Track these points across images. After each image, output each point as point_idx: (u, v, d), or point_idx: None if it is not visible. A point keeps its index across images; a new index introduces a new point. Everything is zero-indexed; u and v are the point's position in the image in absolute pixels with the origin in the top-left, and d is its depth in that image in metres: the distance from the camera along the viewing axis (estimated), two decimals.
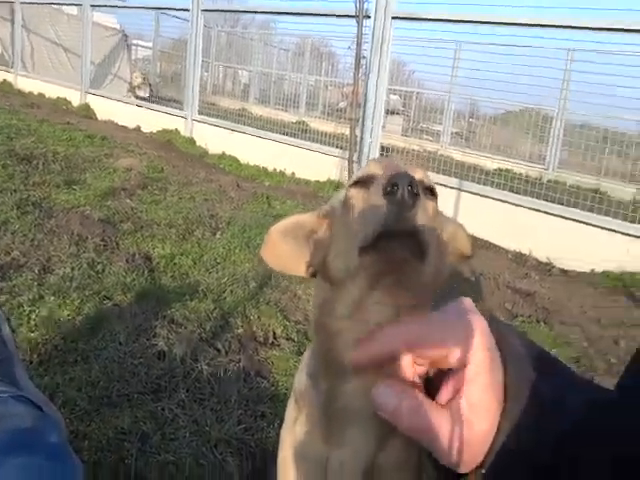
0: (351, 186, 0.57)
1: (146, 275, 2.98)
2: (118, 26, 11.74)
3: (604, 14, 4.62)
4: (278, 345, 2.53)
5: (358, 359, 0.51)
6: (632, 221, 4.49)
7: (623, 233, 4.43)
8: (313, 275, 0.62)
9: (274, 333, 2.61)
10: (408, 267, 0.51)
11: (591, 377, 2.79)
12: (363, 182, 0.56)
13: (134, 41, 12.59)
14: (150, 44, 12.32)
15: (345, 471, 0.56)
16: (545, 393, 0.48)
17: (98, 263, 3.02)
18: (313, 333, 0.61)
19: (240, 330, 2.57)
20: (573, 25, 4.66)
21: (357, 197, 0.55)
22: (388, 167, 0.57)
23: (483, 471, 0.47)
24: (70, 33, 10.77)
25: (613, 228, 4.47)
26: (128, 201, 4.34)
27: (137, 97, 9.92)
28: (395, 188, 0.48)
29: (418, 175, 0.56)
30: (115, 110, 9.29)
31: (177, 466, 1.70)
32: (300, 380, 0.63)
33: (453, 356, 0.48)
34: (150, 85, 10.52)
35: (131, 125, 8.89)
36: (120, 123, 9.02)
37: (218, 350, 2.35)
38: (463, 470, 0.48)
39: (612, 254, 4.44)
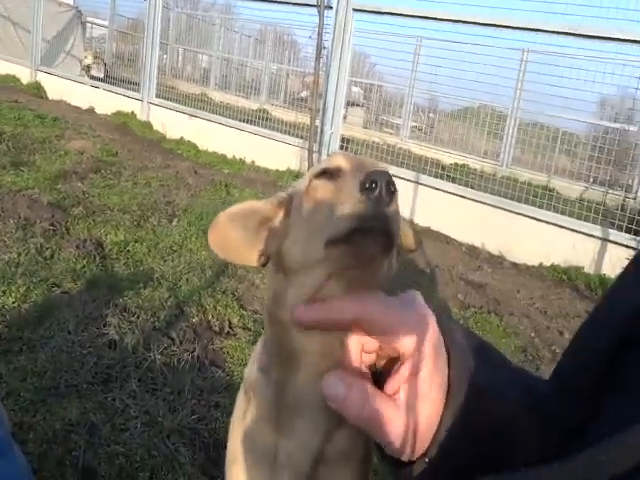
0: (316, 177, 0.57)
1: (98, 262, 2.89)
2: (72, 2, 11.24)
3: (559, 18, 4.74)
4: (234, 334, 2.51)
5: (304, 316, 0.51)
6: (578, 218, 4.69)
7: (570, 229, 4.63)
8: (264, 264, 0.61)
9: (230, 322, 2.59)
10: (374, 263, 0.52)
11: (536, 366, 2.91)
12: (330, 174, 0.56)
13: (89, 19, 12.09)
14: (106, 22, 11.86)
15: (293, 461, 0.57)
16: (484, 382, 0.50)
17: (47, 249, 2.90)
18: (266, 324, 0.61)
19: (195, 319, 2.54)
20: (526, 27, 4.81)
21: (324, 189, 0.55)
22: (358, 162, 0.57)
23: (427, 459, 0.49)
24: (20, 7, 10.22)
25: (561, 224, 4.66)
26: (80, 185, 4.18)
27: (91, 77, 9.53)
28: (374, 185, 0.48)
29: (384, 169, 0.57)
30: (68, 90, 8.91)
31: (127, 457, 1.67)
32: (250, 371, 0.63)
33: (402, 344, 0.49)
34: (105, 65, 10.11)
35: (84, 106, 8.56)
36: (73, 103, 8.67)
37: (172, 339, 2.31)
38: (408, 458, 0.49)
39: (559, 249, 4.63)
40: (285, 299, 0.55)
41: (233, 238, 0.61)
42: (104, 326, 2.28)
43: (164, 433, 1.79)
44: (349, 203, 0.49)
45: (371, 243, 0.49)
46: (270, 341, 0.59)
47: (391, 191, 0.48)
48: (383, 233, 0.49)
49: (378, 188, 0.48)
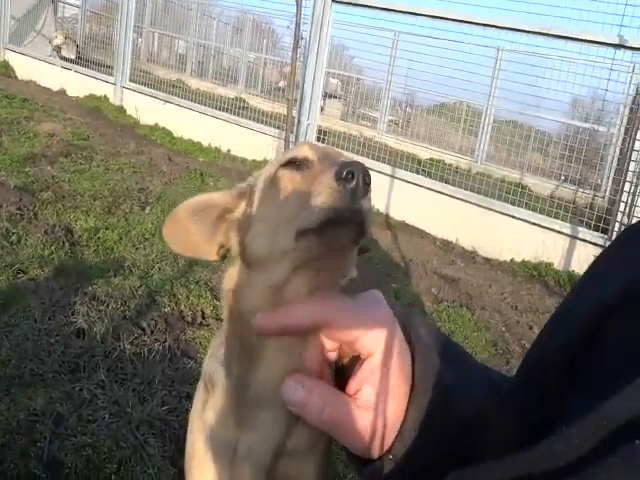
0: (283, 166, 0.55)
1: (66, 249, 2.81)
2: None
3: (534, 18, 4.82)
4: (207, 325, 2.48)
5: (264, 324, 0.50)
6: (549, 215, 4.79)
7: (541, 226, 4.72)
8: (223, 258, 0.60)
9: (203, 312, 2.56)
10: (344, 253, 0.52)
11: (506, 360, 2.97)
12: (297, 164, 0.54)
13: None
14: (79, 2, 11.50)
15: (253, 455, 0.56)
16: (449, 379, 0.50)
17: (13, 233, 2.80)
18: (226, 319, 0.59)
19: (167, 309, 2.49)
20: (500, 25, 4.88)
21: (293, 178, 0.54)
22: (324, 153, 0.56)
23: (391, 457, 0.49)
24: None
25: (532, 221, 4.74)
26: (49, 169, 4.06)
27: (63, 58, 9.24)
28: (350, 176, 0.47)
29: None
30: (38, 70, 8.63)
31: (95, 448, 1.63)
32: (209, 365, 0.62)
33: (361, 344, 0.48)
34: (77, 46, 9.81)
35: (55, 87, 8.31)
36: (43, 84, 8.41)
37: (143, 329, 2.27)
38: (373, 456, 0.49)
39: (530, 245, 4.72)
40: (248, 293, 0.54)
41: (191, 231, 0.59)
42: (72, 314, 2.22)
43: (133, 424, 1.75)
44: (324, 193, 0.48)
45: (344, 233, 0.49)
46: (230, 335, 0.58)
47: (367, 183, 0.48)
48: (357, 224, 0.48)
49: (355, 179, 0.47)
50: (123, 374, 1.97)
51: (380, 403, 0.48)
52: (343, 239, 0.49)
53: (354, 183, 0.47)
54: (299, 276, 0.51)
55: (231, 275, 0.58)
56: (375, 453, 0.49)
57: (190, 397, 1.93)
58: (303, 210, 0.49)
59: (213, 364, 0.61)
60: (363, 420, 0.47)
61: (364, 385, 0.48)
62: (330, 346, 0.52)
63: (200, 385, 0.64)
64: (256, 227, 0.55)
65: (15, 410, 1.67)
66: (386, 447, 0.49)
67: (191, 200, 0.60)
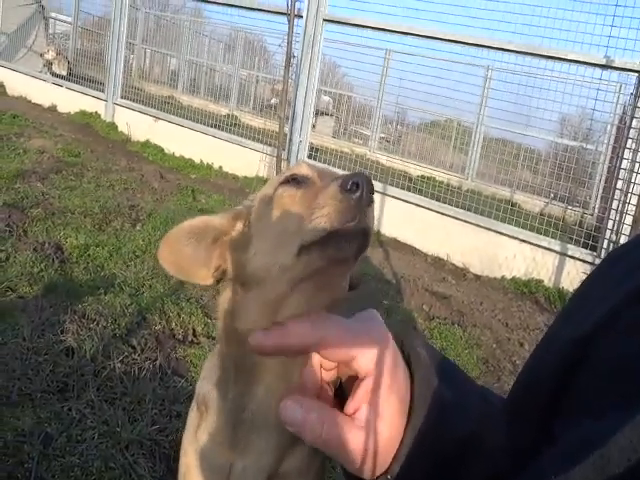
0: (282, 184, 0.55)
1: (56, 266, 2.78)
2: None
3: (523, 38, 4.93)
4: (198, 343, 2.45)
5: (261, 342, 0.49)
6: (539, 232, 4.83)
7: (531, 243, 4.75)
8: (218, 281, 0.59)
9: (194, 330, 2.53)
10: (346, 266, 0.52)
11: (498, 377, 2.96)
12: (297, 182, 0.55)
13: (53, 14, 11.74)
14: (70, 18, 11.54)
15: (248, 477, 0.56)
16: (447, 401, 0.50)
17: (1, 251, 2.78)
18: (222, 341, 0.59)
19: (158, 327, 2.47)
20: (489, 45, 4.98)
21: (294, 195, 0.54)
22: (322, 171, 0.57)
23: (389, 477, 0.48)
24: None
25: (522, 238, 4.78)
26: (39, 185, 4.04)
27: (54, 74, 9.25)
28: (355, 187, 0.47)
29: None
30: (29, 86, 8.63)
31: (83, 469, 1.60)
32: (203, 387, 0.61)
33: (358, 363, 0.48)
34: (69, 62, 9.83)
35: (46, 104, 8.30)
36: (34, 101, 8.40)
37: (133, 347, 2.24)
38: (370, 477, 0.49)
39: (520, 262, 4.75)
40: (245, 312, 0.54)
41: (186, 255, 0.59)
42: (61, 333, 2.19)
43: (122, 444, 1.72)
44: (330, 205, 0.48)
45: (347, 246, 0.49)
46: (226, 357, 0.58)
47: (371, 192, 0.49)
48: (361, 235, 0.49)
49: (360, 189, 0.47)
50: (113, 393, 1.95)
51: (371, 422, 0.47)
52: (346, 251, 0.49)
53: (359, 192, 0.47)
54: (297, 294, 0.51)
55: (226, 297, 0.58)
56: (371, 473, 0.48)
57: (181, 416, 1.90)
58: (306, 224, 0.49)
59: (207, 386, 0.60)
60: (360, 440, 0.47)
61: (362, 405, 0.48)
62: (327, 365, 0.52)
63: (193, 407, 0.63)
64: (255, 245, 0.55)
65: (2, 430, 1.64)
66: (384, 467, 0.48)
67: (186, 223, 0.60)
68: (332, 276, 0.52)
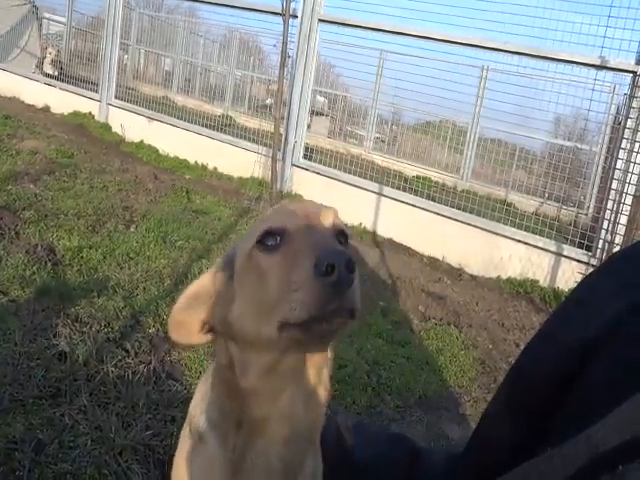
0: (259, 242, 0.52)
1: (49, 269, 2.75)
2: None
3: (519, 39, 4.94)
4: (193, 346, 2.43)
5: None
6: (534, 232, 4.83)
7: (526, 243, 4.75)
8: (209, 335, 0.60)
9: None
10: (333, 338, 0.52)
11: (494, 378, 2.95)
12: (274, 240, 0.51)
13: (46, 14, 11.67)
14: (64, 19, 11.48)
15: None
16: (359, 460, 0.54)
17: None
18: (220, 389, 0.58)
19: (152, 330, 2.45)
20: (484, 45, 4.98)
21: (270, 262, 0.50)
22: (303, 216, 0.52)
23: None
24: None
25: (518, 238, 4.78)
26: (32, 187, 4.00)
27: (46, 75, 9.19)
28: (330, 269, 0.43)
29: (330, 219, 0.53)
30: (21, 87, 8.57)
31: (76, 476, 1.58)
32: (197, 416, 0.60)
33: None
34: (61, 63, 9.77)
35: (39, 104, 8.25)
36: (27, 101, 8.34)
37: (127, 351, 2.22)
38: None
39: (516, 262, 4.75)
40: (246, 372, 0.54)
41: (192, 321, 0.60)
42: (54, 337, 2.16)
43: (116, 450, 1.70)
44: (304, 290, 0.45)
45: (329, 326, 0.47)
46: (227, 407, 0.57)
47: (351, 269, 0.44)
48: (345, 314, 0.47)
49: (336, 272, 0.43)
50: (106, 398, 1.92)
51: None
52: (328, 331, 0.47)
53: (334, 278, 0.43)
54: (291, 354, 0.51)
55: (221, 349, 0.57)
56: None
57: (176, 421, 1.88)
58: (283, 302, 0.46)
59: (202, 420, 0.59)
60: None
61: None
62: None
63: (185, 429, 0.62)
64: (238, 303, 0.54)
65: None
66: None
67: (181, 297, 0.61)
68: (321, 346, 0.52)
